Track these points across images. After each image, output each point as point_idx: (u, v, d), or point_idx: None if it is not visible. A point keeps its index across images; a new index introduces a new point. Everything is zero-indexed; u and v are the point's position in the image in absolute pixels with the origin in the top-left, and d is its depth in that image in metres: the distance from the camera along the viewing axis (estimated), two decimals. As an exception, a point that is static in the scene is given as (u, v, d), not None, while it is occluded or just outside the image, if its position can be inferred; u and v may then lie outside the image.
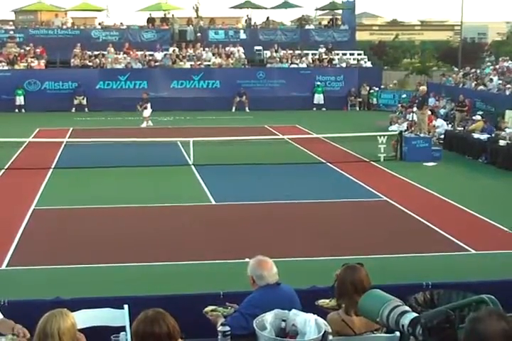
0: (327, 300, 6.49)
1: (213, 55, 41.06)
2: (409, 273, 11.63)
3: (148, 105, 31.64)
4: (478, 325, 3.42)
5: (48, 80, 37.61)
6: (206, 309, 6.32)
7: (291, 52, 41.60)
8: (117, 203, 17.00)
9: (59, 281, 11.44)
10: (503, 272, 11.38)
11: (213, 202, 17.33)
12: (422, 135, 23.90)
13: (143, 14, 46.08)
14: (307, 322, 5.18)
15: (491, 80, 35.41)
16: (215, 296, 7.24)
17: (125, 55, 40.17)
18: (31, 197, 17.56)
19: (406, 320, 4.01)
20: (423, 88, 26.79)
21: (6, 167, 21.47)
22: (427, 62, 63.32)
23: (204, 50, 41.47)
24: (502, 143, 22.19)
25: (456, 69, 47.26)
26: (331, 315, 5.84)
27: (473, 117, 27.45)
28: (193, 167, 21.66)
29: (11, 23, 44.46)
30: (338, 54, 42.33)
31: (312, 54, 42.09)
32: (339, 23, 45.90)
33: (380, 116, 33.29)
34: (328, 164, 22.37)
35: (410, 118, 26.04)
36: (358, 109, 39.77)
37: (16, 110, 36.71)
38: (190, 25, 43.85)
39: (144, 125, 31.17)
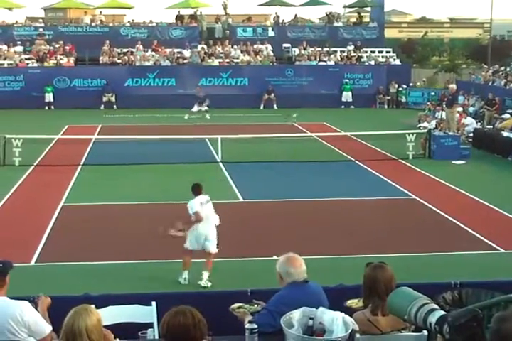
0: (355, 300, 6.38)
1: (241, 52, 41.03)
2: (437, 271, 11.57)
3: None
4: (503, 324, 3.40)
5: (77, 77, 37.79)
6: (233, 306, 6.31)
7: (319, 49, 41.45)
8: (145, 200, 17.06)
9: (87, 277, 11.52)
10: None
11: (241, 200, 17.36)
12: (450, 133, 23.78)
13: (171, 11, 46.26)
14: (335, 320, 5.17)
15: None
16: (243, 294, 7.25)
17: (153, 53, 40.28)
18: (60, 193, 17.68)
19: (433, 318, 4.00)
20: (452, 86, 26.63)
21: (35, 163, 21.63)
22: (456, 59, 62.75)
23: (232, 47, 41.47)
24: (532, 141, 22.02)
25: (485, 67, 46.83)
26: (356, 314, 5.74)
27: (503, 115, 27.26)
28: (221, 164, 21.70)
29: (40, 20, 44.72)
30: (366, 51, 42.16)
31: (340, 51, 41.94)
32: (367, 20, 45.68)
33: (408, 114, 33.12)
34: (357, 162, 22.31)
35: (439, 117, 25.88)
36: (386, 106, 39.52)
37: (46, 107, 36.95)
38: (219, 23, 43.88)
39: (195, 109, 33.11)
